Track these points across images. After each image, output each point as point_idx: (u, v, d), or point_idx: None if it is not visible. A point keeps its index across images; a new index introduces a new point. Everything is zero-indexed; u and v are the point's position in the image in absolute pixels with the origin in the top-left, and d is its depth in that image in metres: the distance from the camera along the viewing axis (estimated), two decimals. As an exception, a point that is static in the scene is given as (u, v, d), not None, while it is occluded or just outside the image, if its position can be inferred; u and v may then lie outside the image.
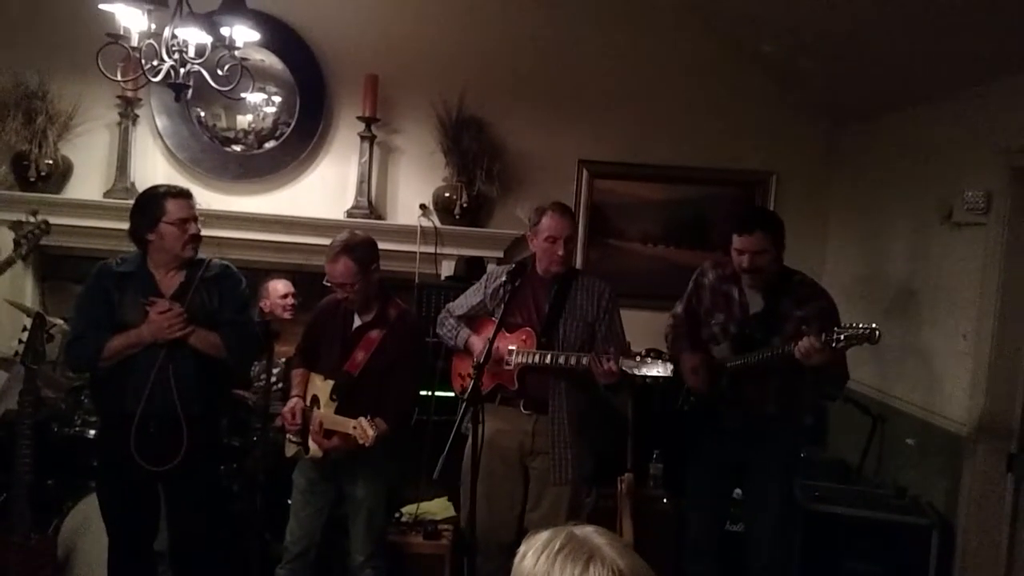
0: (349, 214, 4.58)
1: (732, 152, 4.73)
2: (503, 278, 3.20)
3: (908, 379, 3.86)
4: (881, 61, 3.78)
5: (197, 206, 3.03)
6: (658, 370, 2.88)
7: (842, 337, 2.78)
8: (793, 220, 4.72)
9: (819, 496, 3.59)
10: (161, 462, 2.85)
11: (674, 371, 2.94)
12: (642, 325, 3.82)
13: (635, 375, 2.89)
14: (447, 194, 4.57)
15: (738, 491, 3.40)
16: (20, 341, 3.26)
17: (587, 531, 1.28)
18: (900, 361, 3.88)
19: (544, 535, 1.28)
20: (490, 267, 4.52)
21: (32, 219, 3.50)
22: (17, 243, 3.41)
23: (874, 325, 2.77)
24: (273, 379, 3.74)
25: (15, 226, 3.47)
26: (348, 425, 2.92)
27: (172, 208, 2.91)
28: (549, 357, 3.04)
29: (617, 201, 4.80)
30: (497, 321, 3.12)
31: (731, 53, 4.68)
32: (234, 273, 3.11)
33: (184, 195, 2.98)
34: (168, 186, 3.03)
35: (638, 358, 2.91)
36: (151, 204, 2.94)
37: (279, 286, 4.11)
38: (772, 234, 3.11)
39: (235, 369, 3.25)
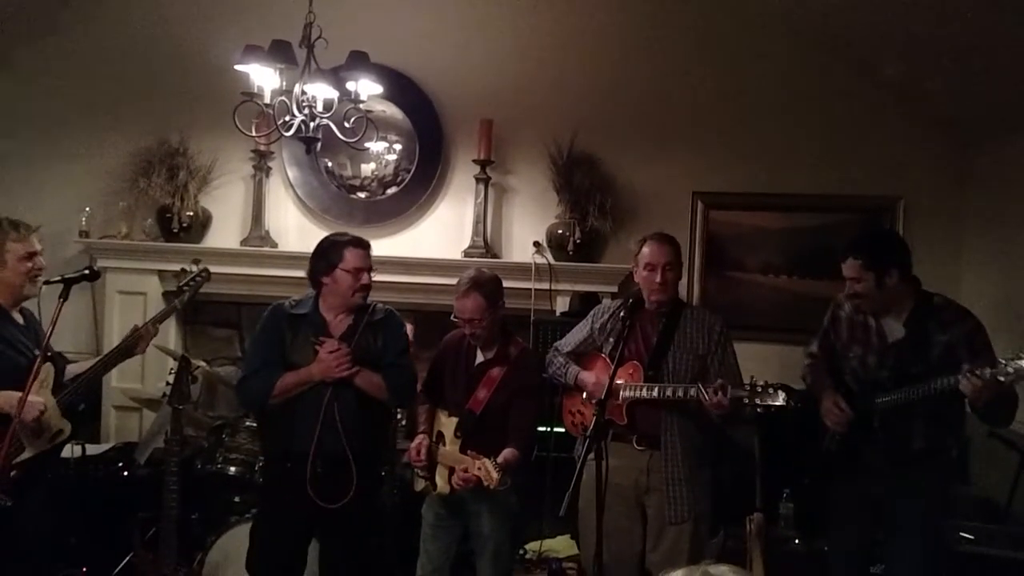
0: (466, 254, 4.69)
1: (855, 177, 4.58)
2: (617, 311, 3.19)
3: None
4: (1015, 73, 3.60)
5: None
6: (771, 400, 2.79)
7: (1011, 370, 2.54)
8: (923, 246, 4.55)
9: (968, 538, 3.36)
10: (329, 500, 2.94)
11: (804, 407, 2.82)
12: (766, 359, 3.74)
13: (746, 404, 2.82)
14: (560, 231, 4.62)
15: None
16: (167, 383, 3.46)
17: (723, 570, 1.25)
18: (1050, 393, 3.62)
19: (677, 573, 1.27)
20: (605, 302, 4.53)
21: (194, 268, 3.65)
22: (180, 291, 3.57)
23: None
24: (399, 416, 3.84)
25: (177, 275, 3.65)
26: (473, 464, 2.96)
27: (350, 257, 3.04)
28: (656, 390, 3.00)
29: (735, 232, 4.72)
30: (607, 355, 3.13)
31: (850, 75, 4.56)
32: (397, 318, 3.23)
33: (363, 246, 3.10)
34: (350, 235, 3.15)
35: (749, 387, 2.83)
36: (331, 250, 3.07)
37: None
38: (867, 259, 2.94)
39: (395, 409, 3.34)
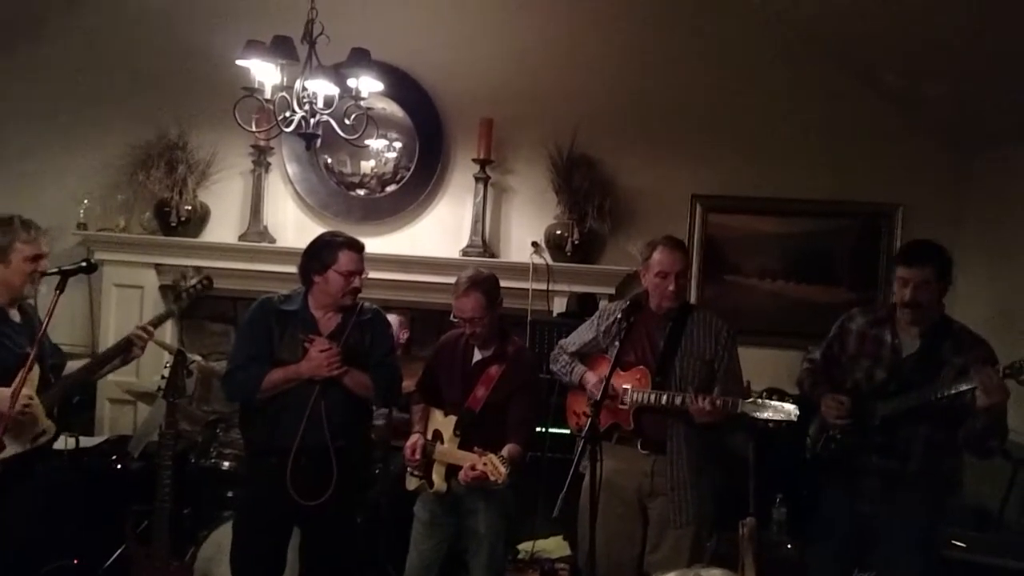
0: (464, 253, 4.69)
1: (854, 183, 4.58)
2: (617, 315, 3.16)
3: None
4: (1015, 81, 3.60)
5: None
6: (780, 414, 2.78)
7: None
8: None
9: (960, 545, 3.36)
10: (310, 496, 2.93)
11: (800, 415, 2.80)
12: (762, 363, 3.73)
13: (756, 418, 2.82)
14: (559, 231, 4.62)
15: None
16: (162, 377, 3.45)
17: (715, 573, 1.26)
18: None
19: (670, 576, 1.27)
20: (603, 304, 4.52)
21: (195, 274, 3.65)
22: (178, 296, 3.56)
23: None
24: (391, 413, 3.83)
25: (177, 279, 3.64)
26: (479, 461, 2.95)
27: (344, 259, 3.02)
28: (665, 398, 2.99)
29: (733, 235, 4.72)
30: (611, 358, 3.10)
31: (850, 81, 4.57)
32: (384, 317, 3.24)
33: (358, 248, 3.09)
34: (346, 237, 3.12)
35: (759, 400, 2.82)
36: (326, 250, 3.05)
37: None
38: (939, 269, 2.87)
39: (381, 407, 3.35)
